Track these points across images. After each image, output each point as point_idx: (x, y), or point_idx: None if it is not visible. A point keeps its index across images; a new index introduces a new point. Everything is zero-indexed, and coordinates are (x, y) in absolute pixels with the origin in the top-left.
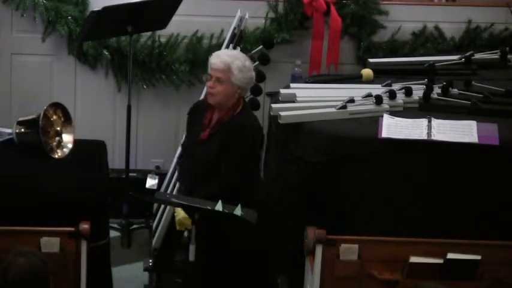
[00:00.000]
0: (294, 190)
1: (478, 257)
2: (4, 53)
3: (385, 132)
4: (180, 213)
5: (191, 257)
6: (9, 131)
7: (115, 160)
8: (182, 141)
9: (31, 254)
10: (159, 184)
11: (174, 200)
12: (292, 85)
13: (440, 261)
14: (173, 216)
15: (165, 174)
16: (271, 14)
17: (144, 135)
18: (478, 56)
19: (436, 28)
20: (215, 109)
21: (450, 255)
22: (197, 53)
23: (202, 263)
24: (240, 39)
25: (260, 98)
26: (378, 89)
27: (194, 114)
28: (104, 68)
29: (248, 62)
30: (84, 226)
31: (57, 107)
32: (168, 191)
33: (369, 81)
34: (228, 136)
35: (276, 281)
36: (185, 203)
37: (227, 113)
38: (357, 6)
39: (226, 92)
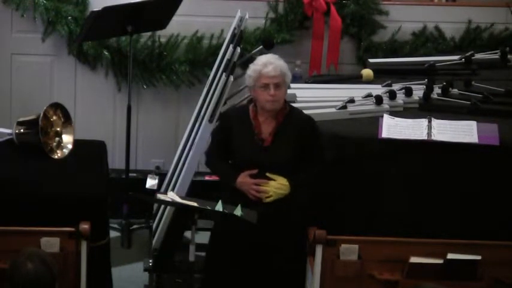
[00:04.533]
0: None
1: (478, 257)
2: (4, 53)
3: (385, 133)
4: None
5: (191, 257)
6: (9, 131)
7: (115, 160)
8: (207, 150)
9: (40, 262)
10: (159, 184)
11: (174, 200)
12: (292, 85)
13: (440, 261)
14: (173, 216)
15: (165, 174)
16: (271, 14)
17: (144, 135)
18: (478, 56)
19: (436, 28)
20: (260, 115)
21: (450, 255)
22: (197, 53)
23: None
24: (240, 39)
25: None
26: (378, 89)
27: (229, 124)
28: (104, 68)
29: None
30: (84, 226)
31: (57, 107)
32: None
33: (369, 81)
34: (304, 131)
35: None
36: (185, 203)
37: (281, 114)
38: (357, 6)
39: (285, 94)
